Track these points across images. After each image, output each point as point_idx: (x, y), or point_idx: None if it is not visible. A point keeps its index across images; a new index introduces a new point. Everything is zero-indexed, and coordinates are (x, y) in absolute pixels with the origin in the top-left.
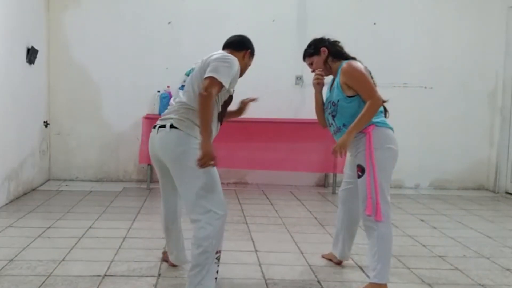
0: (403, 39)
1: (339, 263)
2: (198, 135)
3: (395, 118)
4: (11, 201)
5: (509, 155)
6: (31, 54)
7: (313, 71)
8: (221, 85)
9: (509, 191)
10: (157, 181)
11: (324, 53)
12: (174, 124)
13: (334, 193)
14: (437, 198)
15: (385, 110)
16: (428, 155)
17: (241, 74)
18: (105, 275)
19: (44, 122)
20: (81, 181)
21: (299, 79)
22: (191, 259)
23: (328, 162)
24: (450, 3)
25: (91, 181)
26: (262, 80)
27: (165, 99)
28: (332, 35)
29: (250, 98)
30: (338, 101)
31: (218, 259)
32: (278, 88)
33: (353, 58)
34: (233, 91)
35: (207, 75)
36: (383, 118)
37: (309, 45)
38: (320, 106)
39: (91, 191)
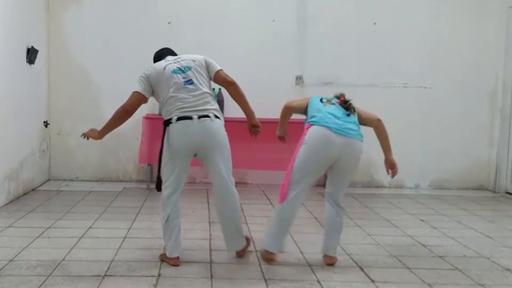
0: (403, 39)
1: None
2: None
3: (395, 118)
4: (11, 201)
5: (509, 155)
6: (31, 54)
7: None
8: None
9: (509, 191)
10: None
11: None
12: (216, 114)
13: None
14: (437, 198)
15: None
16: (428, 155)
17: None
18: (105, 275)
19: (44, 122)
20: (81, 181)
21: (299, 79)
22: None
23: None
24: (450, 3)
25: (91, 181)
26: (262, 80)
27: None
28: (332, 35)
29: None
30: None
31: None
32: (278, 88)
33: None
34: None
35: (217, 68)
36: (319, 117)
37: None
38: None
39: (91, 191)
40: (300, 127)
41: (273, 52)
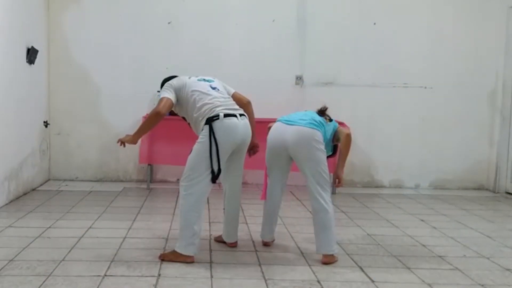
0: (403, 39)
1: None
2: None
3: (395, 118)
4: (11, 201)
5: (509, 155)
6: (31, 54)
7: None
8: None
9: (509, 191)
10: (157, 181)
11: None
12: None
13: (333, 193)
14: (437, 198)
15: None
16: (428, 155)
17: None
18: (105, 275)
19: (44, 122)
20: (81, 181)
21: (299, 79)
22: None
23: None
24: (450, 3)
25: (91, 181)
26: (262, 80)
27: None
28: (332, 35)
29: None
30: None
31: None
32: (278, 88)
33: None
34: None
35: (233, 90)
36: (283, 116)
37: None
38: None
39: (91, 191)
40: None
41: (273, 52)
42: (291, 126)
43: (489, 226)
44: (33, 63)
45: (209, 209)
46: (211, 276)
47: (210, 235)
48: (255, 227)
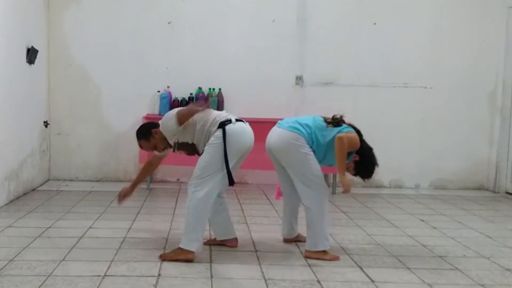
0: (403, 39)
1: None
2: None
3: (395, 118)
4: (11, 201)
5: (509, 155)
6: (31, 54)
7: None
8: None
9: (509, 191)
10: (157, 181)
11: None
12: None
13: (334, 193)
14: (437, 198)
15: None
16: (428, 155)
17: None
18: (105, 275)
19: (44, 122)
20: (81, 181)
21: (299, 79)
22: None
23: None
24: (450, 3)
25: (91, 181)
26: (262, 80)
27: (165, 99)
28: (332, 35)
29: None
30: None
31: None
32: (278, 88)
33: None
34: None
35: None
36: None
37: None
38: None
39: (91, 191)
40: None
41: (273, 52)
42: (277, 129)
43: (489, 226)
44: (33, 63)
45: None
46: (211, 276)
47: (210, 235)
48: (255, 227)
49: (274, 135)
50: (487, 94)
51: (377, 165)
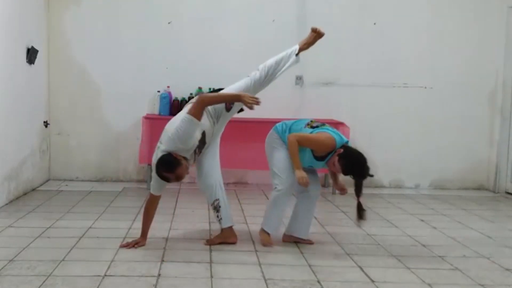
0: (403, 39)
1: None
2: None
3: (395, 118)
4: (11, 201)
5: (509, 155)
6: (31, 54)
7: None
8: None
9: (509, 191)
10: None
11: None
12: None
13: (334, 193)
14: (437, 198)
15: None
16: (428, 155)
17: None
18: (105, 275)
19: (44, 122)
20: (81, 181)
21: (299, 79)
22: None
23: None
24: (450, 3)
25: (91, 181)
26: None
27: (165, 99)
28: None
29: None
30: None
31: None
32: (278, 88)
33: None
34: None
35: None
36: None
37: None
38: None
39: (91, 191)
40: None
41: (273, 52)
42: None
43: (489, 226)
44: (33, 63)
45: (209, 210)
46: (211, 276)
47: (211, 235)
48: (255, 227)
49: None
50: (487, 94)
51: (368, 167)
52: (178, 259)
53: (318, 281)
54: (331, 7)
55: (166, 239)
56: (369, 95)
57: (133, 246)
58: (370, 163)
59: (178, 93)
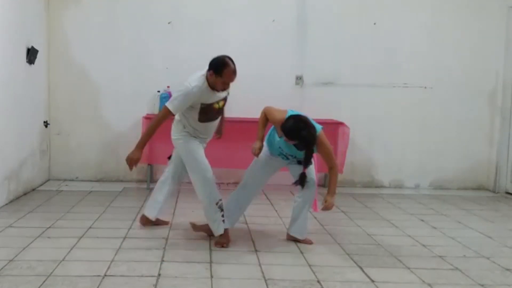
0: (403, 39)
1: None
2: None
3: (395, 118)
4: (11, 201)
5: (509, 155)
6: (31, 54)
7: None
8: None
9: (509, 191)
10: (157, 181)
11: None
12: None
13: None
14: (437, 198)
15: None
16: (428, 155)
17: (216, 88)
18: (105, 275)
19: (44, 122)
20: (81, 181)
21: (299, 79)
22: None
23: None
24: (450, 3)
25: (91, 181)
26: (262, 80)
27: (165, 99)
28: (332, 35)
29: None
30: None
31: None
32: (278, 88)
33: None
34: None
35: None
36: None
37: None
38: None
39: (91, 191)
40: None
41: (273, 52)
42: None
43: (489, 226)
44: (33, 63)
45: None
46: (211, 276)
47: (210, 236)
48: (255, 227)
49: None
50: (487, 94)
51: (310, 133)
52: (178, 259)
53: (318, 281)
54: (331, 7)
55: (166, 239)
56: (369, 95)
57: (134, 165)
58: (370, 163)
59: None
